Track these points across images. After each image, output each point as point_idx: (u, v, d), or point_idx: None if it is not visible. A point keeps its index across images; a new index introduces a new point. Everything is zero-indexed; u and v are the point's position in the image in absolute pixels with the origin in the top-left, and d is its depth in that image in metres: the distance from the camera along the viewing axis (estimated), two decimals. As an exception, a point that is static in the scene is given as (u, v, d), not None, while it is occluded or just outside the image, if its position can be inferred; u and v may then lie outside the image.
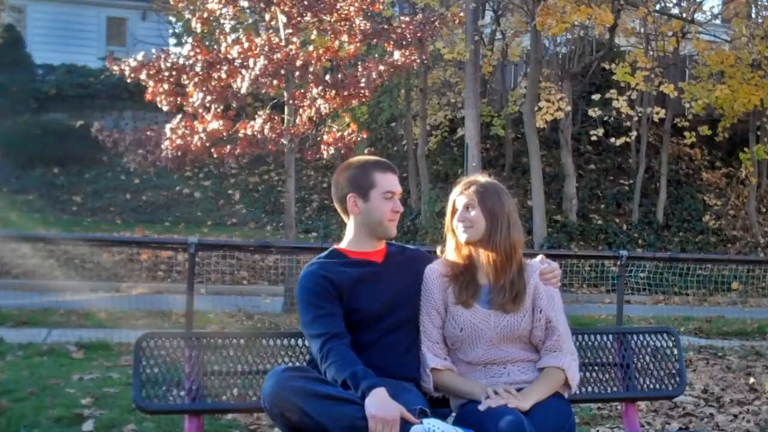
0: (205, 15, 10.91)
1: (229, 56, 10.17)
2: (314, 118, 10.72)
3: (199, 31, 11.60)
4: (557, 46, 17.81)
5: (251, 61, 9.91)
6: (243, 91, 10.04)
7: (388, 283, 3.04)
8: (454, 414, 3.03)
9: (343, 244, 3.14)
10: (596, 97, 16.00)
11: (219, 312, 9.17)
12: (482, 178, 3.17)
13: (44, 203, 15.87)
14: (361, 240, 3.10)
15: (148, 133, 11.15)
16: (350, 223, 3.12)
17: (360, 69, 10.65)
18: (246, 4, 11.12)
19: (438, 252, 3.17)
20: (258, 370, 3.26)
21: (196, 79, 10.06)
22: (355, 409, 2.67)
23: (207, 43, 13.19)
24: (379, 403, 2.67)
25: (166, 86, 10.25)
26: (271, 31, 11.20)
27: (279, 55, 9.92)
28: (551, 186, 16.73)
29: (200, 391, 3.17)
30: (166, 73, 10.17)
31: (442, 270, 3.10)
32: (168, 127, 10.50)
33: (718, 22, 19.12)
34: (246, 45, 10.17)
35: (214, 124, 10.24)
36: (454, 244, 3.10)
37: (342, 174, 3.12)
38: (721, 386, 6.31)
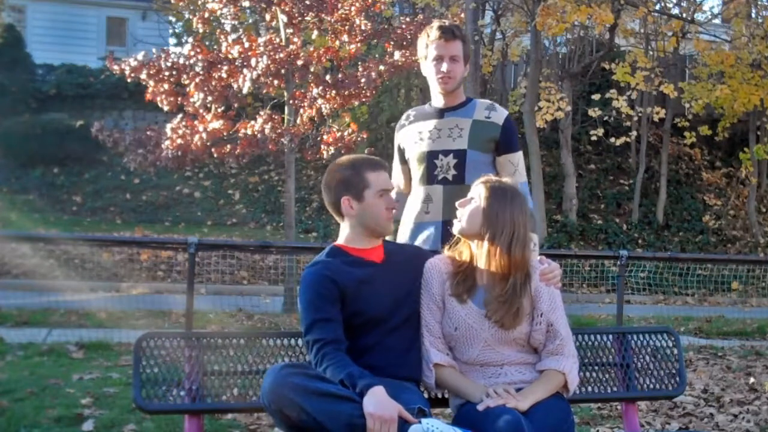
0: (206, 15, 10.92)
1: (230, 56, 10.17)
2: (315, 118, 10.73)
3: (200, 31, 11.60)
4: (557, 46, 17.82)
5: (253, 61, 9.91)
6: (244, 90, 10.04)
7: (390, 284, 3.04)
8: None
9: (341, 241, 3.13)
10: (596, 97, 16.01)
11: (219, 312, 9.18)
12: (507, 179, 3.15)
13: (44, 203, 15.87)
14: (358, 238, 3.09)
15: (148, 132, 11.16)
16: (345, 224, 3.11)
17: (360, 69, 10.65)
18: (247, 3, 11.11)
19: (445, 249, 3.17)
20: (258, 370, 3.25)
21: (196, 80, 10.06)
22: (354, 407, 2.66)
23: (207, 43, 13.19)
24: (378, 402, 2.66)
25: (166, 86, 10.25)
26: (271, 30, 11.21)
27: (281, 54, 9.93)
28: (551, 186, 16.73)
29: (200, 391, 3.17)
30: (167, 73, 10.17)
31: (441, 264, 3.08)
32: (168, 126, 10.51)
33: (718, 22, 19.13)
34: (247, 44, 10.18)
35: (215, 124, 10.25)
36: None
37: (333, 177, 3.09)
38: (721, 386, 6.31)
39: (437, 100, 3.56)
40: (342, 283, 2.95)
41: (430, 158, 3.49)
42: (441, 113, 3.54)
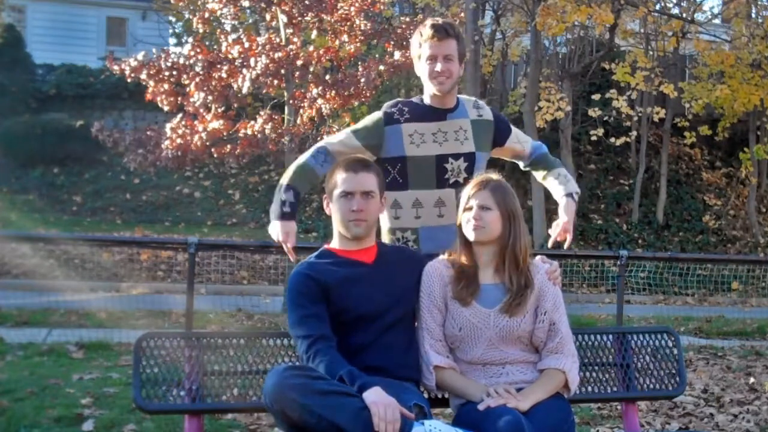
0: (206, 15, 10.92)
1: (230, 56, 10.17)
2: (315, 118, 10.73)
3: (200, 31, 11.60)
4: (557, 46, 17.81)
5: (252, 61, 9.92)
6: (244, 91, 10.04)
7: (381, 284, 3.07)
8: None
9: (333, 244, 3.20)
10: (596, 97, 15.99)
11: (219, 312, 9.17)
12: (495, 176, 3.15)
13: (44, 203, 15.86)
14: (341, 239, 3.16)
15: (148, 132, 11.16)
16: (333, 224, 3.20)
17: (360, 69, 10.65)
18: (247, 3, 11.12)
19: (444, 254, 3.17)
20: (258, 370, 3.27)
21: (196, 79, 10.06)
22: (357, 400, 2.71)
23: (207, 43, 13.18)
24: (378, 393, 2.72)
25: (166, 86, 10.25)
26: (271, 30, 11.21)
27: (280, 54, 9.93)
28: (551, 186, 16.71)
29: (200, 391, 3.17)
30: (167, 73, 10.17)
31: (442, 267, 3.10)
32: (168, 126, 10.51)
33: (718, 22, 19.13)
34: (246, 44, 10.18)
35: (215, 124, 10.25)
36: (462, 241, 3.10)
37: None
38: (721, 386, 6.31)
39: (434, 100, 3.47)
40: (324, 282, 3.01)
41: (439, 162, 3.42)
42: (443, 114, 3.46)
